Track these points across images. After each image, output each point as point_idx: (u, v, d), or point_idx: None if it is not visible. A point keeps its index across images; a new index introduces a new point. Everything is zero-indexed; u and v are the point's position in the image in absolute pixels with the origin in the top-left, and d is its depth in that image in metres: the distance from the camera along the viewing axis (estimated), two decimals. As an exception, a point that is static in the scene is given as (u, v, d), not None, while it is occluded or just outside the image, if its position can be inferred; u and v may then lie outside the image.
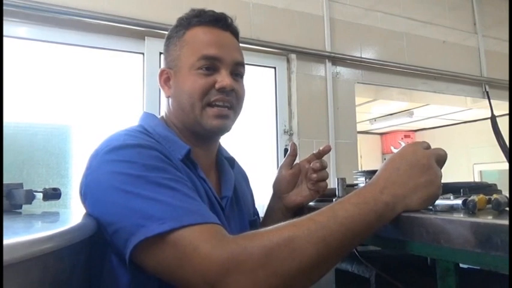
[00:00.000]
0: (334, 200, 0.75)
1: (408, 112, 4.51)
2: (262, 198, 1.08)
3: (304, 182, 0.94)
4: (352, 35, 2.41)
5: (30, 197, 0.78)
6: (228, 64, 0.80)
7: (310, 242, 0.55)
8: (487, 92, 2.81)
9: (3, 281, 0.39)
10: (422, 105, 4.04)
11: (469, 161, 4.94)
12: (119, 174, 0.63)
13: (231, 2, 2.04)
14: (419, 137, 5.96)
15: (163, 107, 0.88)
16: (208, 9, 0.84)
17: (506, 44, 2.91)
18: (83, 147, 1.68)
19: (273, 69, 2.21)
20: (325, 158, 0.94)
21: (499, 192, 0.80)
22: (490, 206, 0.57)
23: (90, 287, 0.68)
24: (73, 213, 0.71)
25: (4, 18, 1.56)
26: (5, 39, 1.58)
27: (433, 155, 0.64)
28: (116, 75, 1.83)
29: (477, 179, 4.87)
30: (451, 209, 0.59)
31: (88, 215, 0.67)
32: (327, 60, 2.28)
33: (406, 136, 5.94)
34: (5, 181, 0.77)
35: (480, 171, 4.95)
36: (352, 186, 0.98)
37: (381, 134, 6.22)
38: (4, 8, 1.53)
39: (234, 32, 0.85)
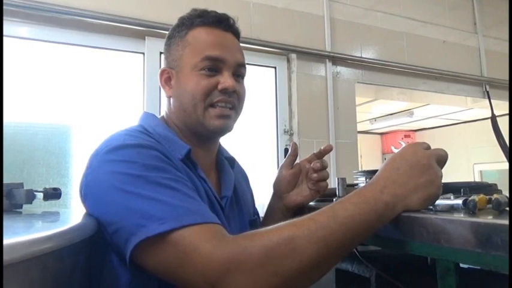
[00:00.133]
0: (334, 199, 0.75)
1: (408, 112, 4.51)
2: (262, 198, 1.08)
3: (305, 182, 0.94)
4: (352, 34, 2.41)
5: (30, 196, 0.78)
6: (231, 65, 0.80)
7: (311, 242, 0.55)
8: (487, 92, 2.81)
9: (3, 280, 0.39)
10: (422, 105, 4.04)
11: (469, 161, 4.93)
12: (119, 174, 0.64)
13: (232, 2, 2.04)
14: (419, 137, 5.96)
15: (163, 107, 0.88)
16: (210, 10, 0.84)
17: (507, 44, 2.91)
18: (83, 147, 1.68)
19: (273, 69, 2.21)
20: (325, 157, 0.94)
21: (499, 192, 0.80)
22: (490, 205, 0.57)
23: (90, 286, 0.68)
24: (73, 213, 0.71)
25: (5, 18, 1.56)
26: (5, 39, 1.58)
27: (434, 155, 0.64)
28: (116, 75, 1.83)
29: (477, 179, 4.87)
30: (452, 208, 0.59)
31: (88, 214, 0.67)
32: (327, 60, 2.28)
33: (406, 136, 5.94)
34: (6, 181, 0.77)
35: (480, 171, 4.95)
36: (352, 186, 0.98)
37: (381, 133, 6.21)
38: (5, 7, 1.53)
39: (236, 33, 0.86)
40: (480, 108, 3.19)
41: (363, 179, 0.98)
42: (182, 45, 0.82)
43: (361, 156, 5.26)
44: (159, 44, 1.77)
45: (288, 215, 0.91)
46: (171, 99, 0.84)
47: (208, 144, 0.86)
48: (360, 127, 4.89)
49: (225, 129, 0.82)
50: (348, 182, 0.94)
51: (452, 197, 0.61)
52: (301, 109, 2.17)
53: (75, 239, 0.53)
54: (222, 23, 0.83)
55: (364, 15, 2.46)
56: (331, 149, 0.94)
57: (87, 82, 1.75)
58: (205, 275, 0.54)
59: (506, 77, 2.78)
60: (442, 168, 0.65)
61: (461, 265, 0.61)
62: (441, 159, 0.64)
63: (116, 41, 1.81)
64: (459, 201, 0.58)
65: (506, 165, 3.03)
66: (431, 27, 2.71)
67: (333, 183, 1.85)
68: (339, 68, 2.34)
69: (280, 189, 0.95)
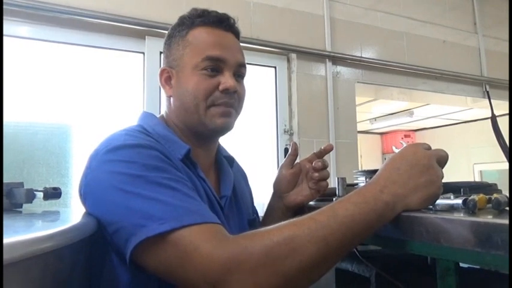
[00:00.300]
0: (334, 199, 0.75)
1: (408, 112, 4.51)
2: (262, 198, 1.08)
3: (305, 182, 0.94)
4: (352, 34, 2.41)
5: (30, 196, 0.78)
6: (232, 65, 0.80)
7: (311, 241, 0.55)
8: (487, 92, 2.81)
9: (3, 279, 0.39)
10: (422, 105, 4.04)
11: (469, 160, 4.93)
12: (119, 174, 0.63)
13: (232, 2, 2.04)
14: (419, 137, 5.96)
15: (163, 106, 0.88)
16: (211, 10, 0.84)
17: (507, 44, 2.91)
18: (83, 147, 1.68)
19: (274, 69, 2.21)
20: (325, 157, 0.94)
21: (499, 191, 0.81)
22: (490, 205, 0.57)
23: (90, 286, 0.68)
24: (73, 213, 0.71)
25: (5, 17, 1.56)
26: (5, 39, 1.58)
27: (434, 155, 0.64)
28: (117, 74, 1.83)
29: (477, 179, 4.87)
30: (451, 208, 0.59)
31: (88, 214, 0.67)
32: (327, 59, 2.28)
33: (406, 136, 5.94)
34: (6, 180, 0.77)
35: (480, 171, 4.95)
36: (352, 185, 0.98)
37: (381, 133, 6.22)
38: (5, 7, 1.53)
39: (236, 33, 0.86)
40: (480, 108, 3.19)
41: (363, 178, 0.98)
42: (183, 44, 0.82)
43: (361, 156, 5.26)
44: (159, 44, 1.76)
45: (288, 214, 0.91)
46: (171, 99, 0.84)
47: (208, 144, 0.86)
48: (360, 127, 4.89)
49: (226, 128, 0.82)
50: (348, 181, 0.94)
51: (452, 196, 0.61)
52: (301, 109, 2.17)
53: (75, 238, 0.53)
54: (223, 23, 0.83)
55: (364, 15, 2.46)
56: (331, 149, 0.94)
57: (87, 82, 1.75)
58: (205, 275, 0.54)
59: (506, 77, 2.79)
60: (442, 168, 0.65)
61: (461, 265, 0.61)
62: (442, 159, 0.64)
63: (116, 40, 1.81)
64: (459, 201, 0.58)
65: (506, 165, 3.03)
66: (431, 27, 2.72)
67: (333, 182, 1.85)
68: (339, 68, 2.34)
69: (280, 189, 0.95)
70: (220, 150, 0.93)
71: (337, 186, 0.92)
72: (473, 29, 2.90)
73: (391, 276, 0.82)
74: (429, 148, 0.66)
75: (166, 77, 0.84)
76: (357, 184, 1.01)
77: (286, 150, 2.10)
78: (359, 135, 2.52)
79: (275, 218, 0.92)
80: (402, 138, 5.83)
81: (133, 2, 1.82)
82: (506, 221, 0.46)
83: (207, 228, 0.58)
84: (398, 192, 0.60)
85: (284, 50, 2.18)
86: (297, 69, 2.19)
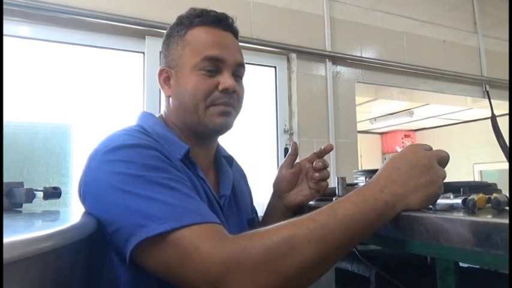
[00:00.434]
0: (334, 199, 0.75)
1: (408, 112, 4.51)
2: (262, 197, 1.08)
3: (305, 181, 0.94)
4: (352, 34, 2.41)
5: (30, 195, 0.78)
6: (231, 65, 0.80)
7: (310, 241, 0.55)
8: (487, 92, 2.81)
9: (3, 279, 0.39)
10: (422, 104, 4.04)
11: (469, 160, 4.93)
12: (118, 174, 0.64)
13: (232, 1, 2.04)
14: (419, 137, 5.96)
15: (162, 106, 0.88)
16: (210, 9, 0.84)
17: (507, 44, 2.91)
18: (83, 146, 1.68)
19: (273, 69, 2.21)
20: (325, 157, 0.94)
21: (499, 191, 0.80)
22: (489, 205, 0.57)
23: (90, 285, 0.68)
24: (73, 212, 0.71)
25: (5, 17, 1.56)
26: (5, 38, 1.58)
27: (435, 156, 0.64)
28: (117, 74, 1.83)
29: (477, 179, 4.87)
30: (451, 208, 0.59)
31: (88, 213, 0.67)
32: (327, 59, 2.28)
33: (406, 136, 5.94)
34: (6, 180, 0.77)
35: (480, 171, 4.95)
36: (352, 185, 0.98)
37: (381, 133, 6.22)
38: (5, 7, 1.53)
39: (235, 33, 0.86)
40: (480, 108, 3.19)
41: (363, 178, 0.98)
42: (181, 44, 0.82)
43: (361, 156, 5.26)
44: (159, 44, 1.75)
45: (287, 214, 0.91)
46: (170, 99, 0.84)
47: (207, 143, 0.86)
48: (360, 127, 4.89)
49: (225, 127, 0.82)
50: (348, 181, 0.94)
51: (451, 196, 0.61)
52: (301, 109, 2.17)
53: (74, 237, 0.53)
54: (222, 22, 0.83)
55: (364, 14, 2.46)
56: (331, 149, 0.94)
57: (87, 81, 1.75)
58: (205, 275, 0.54)
59: (506, 77, 2.78)
60: (444, 168, 0.65)
61: (461, 264, 0.61)
62: (442, 160, 0.65)
63: (116, 40, 1.81)
64: (459, 201, 0.58)
65: (506, 165, 3.03)
66: (431, 27, 2.71)
67: (332, 182, 1.85)
68: (339, 68, 2.34)
69: (280, 189, 0.95)
70: (219, 150, 0.93)
71: (337, 186, 0.92)
72: (473, 28, 2.90)
73: (391, 276, 0.82)
74: (430, 149, 0.66)
75: (165, 77, 0.84)
76: (356, 184, 1.01)
77: (286, 150, 2.10)
78: (359, 135, 2.52)
79: (275, 218, 0.92)
80: (402, 138, 5.84)
81: (133, 1, 1.82)
82: (505, 221, 0.47)
83: (207, 228, 0.58)
84: (398, 192, 0.60)
85: (284, 50, 2.18)
86: (297, 69, 2.19)
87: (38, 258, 0.45)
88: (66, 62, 1.72)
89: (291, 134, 2.16)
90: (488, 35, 2.94)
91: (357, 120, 2.42)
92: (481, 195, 0.58)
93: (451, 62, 2.71)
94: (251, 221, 0.92)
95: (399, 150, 0.69)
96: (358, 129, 2.46)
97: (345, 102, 2.32)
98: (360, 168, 2.86)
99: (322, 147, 0.93)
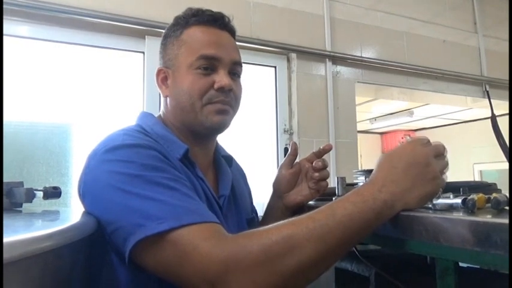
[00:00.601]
0: (334, 199, 0.75)
1: (408, 111, 4.51)
2: (262, 197, 1.08)
3: (304, 181, 0.94)
4: (352, 34, 2.41)
5: (30, 195, 0.78)
6: (226, 64, 0.80)
7: (309, 240, 0.55)
8: (487, 92, 2.81)
9: (3, 278, 0.39)
10: (422, 104, 4.04)
11: (469, 160, 4.93)
12: (118, 174, 0.64)
13: (232, 1, 2.04)
14: (419, 137, 5.95)
15: (161, 107, 0.88)
16: (205, 9, 0.84)
17: (507, 44, 2.91)
18: (83, 146, 1.68)
19: (273, 69, 2.21)
20: (325, 157, 0.94)
21: (499, 191, 0.81)
22: (489, 205, 0.57)
23: (90, 285, 0.68)
24: (73, 212, 0.71)
25: (5, 17, 1.56)
26: (5, 38, 1.58)
27: (431, 151, 0.64)
28: (117, 74, 1.83)
29: (477, 179, 4.87)
30: (451, 207, 0.59)
31: (88, 213, 0.67)
32: (327, 59, 2.28)
33: (405, 136, 5.94)
34: (6, 179, 0.77)
35: (480, 171, 4.95)
36: (352, 185, 0.98)
37: (381, 133, 6.22)
38: (5, 6, 1.53)
39: (231, 31, 0.86)
40: (480, 108, 3.19)
41: (363, 178, 0.97)
42: (177, 44, 0.82)
43: (361, 156, 5.26)
44: (159, 44, 1.77)
45: (287, 214, 0.91)
46: (168, 99, 0.84)
47: (205, 143, 0.86)
48: (360, 127, 4.88)
49: (223, 126, 0.82)
50: (348, 181, 0.94)
51: (451, 196, 0.61)
52: (301, 108, 2.17)
53: (74, 237, 0.53)
54: (217, 21, 0.83)
55: (364, 14, 2.46)
56: (330, 149, 0.94)
57: (87, 81, 1.75)
58: (204, 274, 0.54)
59: (506, 76, 2.78)
60: (444, 159, 0.65)
61: (461, 264, 0.61)
62: (438, 152, 0.65)
63: (116, 40, 1.81)
64: (458, 200, 0.58)
65: (506, 165, 3.03)
66: (431, 27, 2.71)
67: (332, 182, 1.85)
68: (339, 68, 2.34)
69: (279, 189, 0.95)
70: (218, 150, 0.93)
71: (336, 186, 0.92)
72: (473, 28, 2.90)
73: (390, 275, 0.82)
74: (428, 143, 0.66)
75: (163, 77, 0.84)
76: (356, 184, 1.01)
77: (286, 149, 2.10)
78: (359, 135, 2.52)
79: (274, 217, 0.92)
80: (402, 138, 5.83)
81: (134, 1, 1.82)
82: (505, 221, 0.47)
83: (206, 227, 0.58)
84: (396, 191, 0.60)
85: (284, 50, 2.18)
86: (297, 69, 2.19)
87: (37, 258, 0.45)
88: (66, 62, 1.72)
89: (291, 134, 2.16)
90: (488, 35, 2.93)
91: (357, 120, 2.41)
92: (480, 195, 0.58)
93: (451, 62, 2.71)
94: (251, 220, 0.92)
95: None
96: (358, 129, 2.46)
97: (344, 102, 2.31)
98: (359, 168, 2.86)
99: (322, 147, 0.94)
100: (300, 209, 0.93)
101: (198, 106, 0.79)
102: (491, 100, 2.79)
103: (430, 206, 0.61)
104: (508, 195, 0.58)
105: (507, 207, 0.56)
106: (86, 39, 1.75)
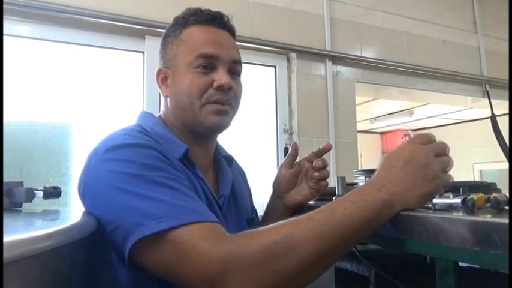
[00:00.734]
0: (333, 198, 0.75)
1: (408, 111, 4.51)
2: (262, 197, 1.08)
3: (304, 181, 0.94)
4: (352, 34, 2.41)
5: (30, 195, 0.78)
6: (226, 62, 0.80)
7: (309, 240, 0.55)
8: (487, 92, 2.81)
9: (3, 278, 0.39)
10: (422, 104, 4.03)
11: (469, 160, 4.93)
12: (117, 173, 0.64)
13: (232, 1, 2.04)
14: (419, 137, 5.94)
15: (161, 107, 0.88)
16: (204, 8, 0.84)
17: (507, 44, 2.91)
18: (83, 146, 1.68)
19: (273, 68, 2.21)
20: (325, 157, 0.94)
21: (499, 191, 0.81)
22: (489, 204, 0.57)
23: (90, 285, 0.68)
24: (73, 212, 0.71)
25: (5, 16, 1.56)
26: (5, 38, 1.58)
27: (432, 150, 0.64)
28: (116, 74, 1.83)
29: (477, 179, 4.87)
30: (450, 207, 0.59)
31: (87, 213, 0.67)
32: (327, 59, 2.28)
33: (406, 135, 5.93)
34: (5, 179, 0.77)
35: (480, 171, 4.95)
36: (352, 185, 0.98)
37: (381, 133, 6.22)
38: (5, 6, 1.53)
39: (231, 31, 0.86)
40: (480, 108, 3.19)
41: (363, 178, 0.97)
42: (177, 44, 0.82)
43: (361, 156, 5.26)
44: (159, 43, 1.77)
45: (287, 214, 0.91)
46: (168, 99, 0.84)
47: (205, 143, 0.86)
48: (360, 126, 4.88)
49: (222, 126, 0.82)
50: (348, 181, 0.94)
51: (451, 196, 0.61)
52: (301, 108, 2.17)
53: (74, 237, 0.53)
54: (216, 20, 0.83)
55: (364, 14, 2.46)
56: (330, 148, 0.94)
57: (87, 81, 1.75)
58: (204, 273, 0.54)
59: (506, 76, 2.78)
60: (446, 158, 0.64)
61: (461, 264, 0.61)
62: (439, 151, 0.64)
63: (116, 40, 1.81)
64: (458, 200, 0.58)
65: (506, 165, 3.03)
66: (431, 27, 2.71)
67: (332, 182, 1.85)
68: (339, 68, 2.34)
69: (279, 189, 0.95)
70: (218, 150, 0.93)
71: (336, 186, 0.92)
72: (473, 28, 2.90)
73: (390, 275, 0.82)
74: (429, 141, 0.65)
75: (163, 77, 0.84)
76: (356, 183, 1.01)
77: (286, 149, 2.10)
78: (359, 135, 2.52)
79: (274, 217, 0.92)
80: (402, 138, 5.83)
81: (134, 1, 1.82)
82: (505, 220, 0.47)
83: (206, 226, 0.58)
84: (396, 191, 0.60)
85: (284, 50, 2.18)
86: (296, 69, 2.19)
87: (37, 258, 0.45)
88: (65, 62, 1.72)
89: (291, 134, 2.16)
90: (488, 34, 2.93)
91: (357, 120, 2.42)
92: (480, 194, 0.58)
93: (451, 61, 2.71)
94: (251, 221, 0.92)
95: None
96: (358, 129, 2.46)
97: (344, 101, 2.31)
98: (359, 168, 2.86)
99: (321, 147, 0.94)
100: (299, 208, 0.93)
101: (197, 105, 0.79)
102: (491, 100, 2.79)
103: (429, 205, 0.61)
104: (507, 195, 0.58)
105: (507, 207, 0.56)
106: (86, 39, 1.75)
